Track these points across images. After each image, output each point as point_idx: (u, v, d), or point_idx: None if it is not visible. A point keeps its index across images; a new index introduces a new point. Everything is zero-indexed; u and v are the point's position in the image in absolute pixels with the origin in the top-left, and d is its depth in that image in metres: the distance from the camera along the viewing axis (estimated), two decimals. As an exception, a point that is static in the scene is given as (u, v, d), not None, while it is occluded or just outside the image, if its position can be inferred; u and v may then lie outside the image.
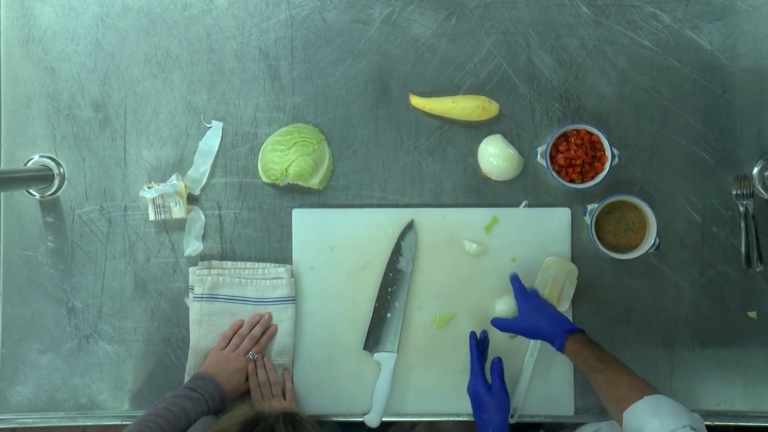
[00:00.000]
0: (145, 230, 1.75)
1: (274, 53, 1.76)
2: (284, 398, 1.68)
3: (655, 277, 1.72)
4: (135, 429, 1.44)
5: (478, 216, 1.73)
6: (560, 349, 1.54)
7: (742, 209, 1.69)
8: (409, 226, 1.71)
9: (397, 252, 1.71)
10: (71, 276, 1.75)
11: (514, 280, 1.68)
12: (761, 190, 1.71)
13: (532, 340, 1.70)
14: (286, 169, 1.67)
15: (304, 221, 1.74)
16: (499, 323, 1.65)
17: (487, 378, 1.63)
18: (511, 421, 1.70)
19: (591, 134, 1.65)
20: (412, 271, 1.72)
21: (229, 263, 1.74)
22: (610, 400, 1.44)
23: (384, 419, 1.72)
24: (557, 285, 1.68)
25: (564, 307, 1.70)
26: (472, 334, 1.68)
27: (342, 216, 1.74)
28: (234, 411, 1.33)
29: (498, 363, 1.63)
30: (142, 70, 1.76)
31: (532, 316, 1.60)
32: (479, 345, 1.68)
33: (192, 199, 1.75)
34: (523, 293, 1.65)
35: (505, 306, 1.69)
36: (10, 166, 1.76)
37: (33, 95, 1.76)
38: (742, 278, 1.72)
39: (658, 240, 1.63)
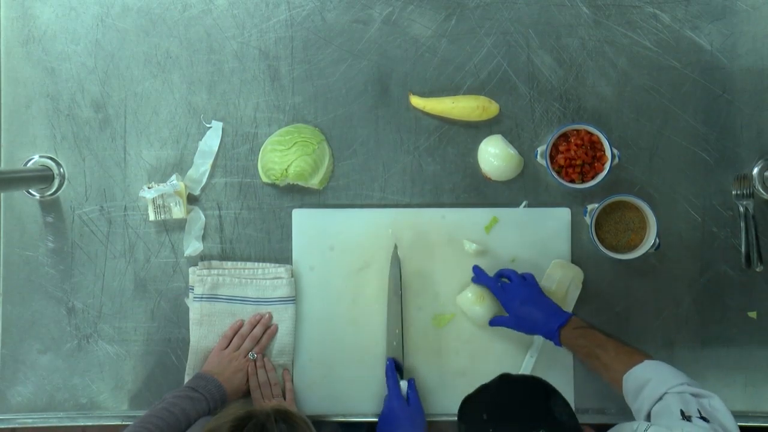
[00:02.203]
0: (145, 230, 1.75)
1: (274, 53, 1.76)
2: (284, 398, 1.69)
3: (655, 277, 1.72)
4: (135, 430, 1.44)
5: (478, 216, 1.73)
6: (558, 344, 1.57)
7: (742, 209, 1.69)
8: (395, 258, 1.70)
9: (390, 287, 1.71)
10: (71, 276, 1.75)
11: (480, 275, 1.66)
12: (761, 190, 1.71)
13: (534, 341, 1.70)
14: (286, 170, 1.67)
15: (304, 221, 1.74)
16: (495, 323, 1.66)
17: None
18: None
19: (591, 134, 1.65)
20: (413, 271, 1.72)
21: (229, 263, 1.74)
22: (611, 375, 1.48)
23: (384, 419, 1.73)
24: (562, 288, 1.68)
25: (568, 310, 1.70)
26: (390, 361, 1.68)
27: (342, 216, 1.74)
28: (226, 410, 1.34)
29: (413, 382, 1.67)
30: (142, 71, 1.76)
31: (521, 315, 1.60)
32: (396, 369, 1.69)
33: (192, 200, 1.75)
34: (498, 288, 1.63)
35: (470, 294, 1.68)
36: (10, 166, 1.76)
37: (33, 95, 1.76)
38: (742, 278, 1.72)
39: (658, 240, 1.63)
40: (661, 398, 1.35)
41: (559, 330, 1.56)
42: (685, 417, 1.29)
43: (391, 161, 1.75)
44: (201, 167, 1.74)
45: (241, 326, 1.71)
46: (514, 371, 1.69)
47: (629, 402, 1.44)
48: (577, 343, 1.54)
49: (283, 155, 1.67)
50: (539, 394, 1.26)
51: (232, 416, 1.28)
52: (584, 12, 1.74)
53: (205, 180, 1.75)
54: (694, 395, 1.34)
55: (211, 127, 1.75)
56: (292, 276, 1.73)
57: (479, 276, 1.67)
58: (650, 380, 1.39)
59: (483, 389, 1.32)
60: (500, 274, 1.67)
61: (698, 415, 1.28)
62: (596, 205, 1.65)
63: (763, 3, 1.73)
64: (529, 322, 1.60)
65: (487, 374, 1.69)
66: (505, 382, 1.31)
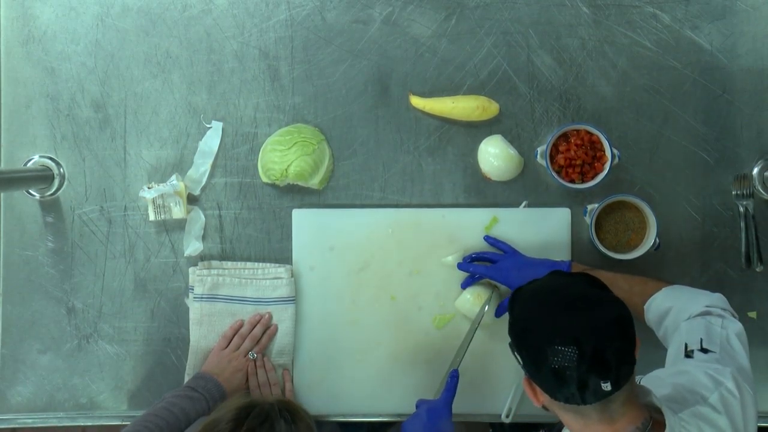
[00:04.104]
0: (145, 230, 1.75)
1: (274, 53, 1.76)
2: (284, 398, 1.69)
3: (655, 277, 1.71)
4: (134, 429, 1.45)
5: (478, 216, 1.73)
6: None
7: (742, 209, 1.69)
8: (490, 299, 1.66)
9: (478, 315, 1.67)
10: (71, 276, 1.75)
11: (467, 267, 1.66)
12: (761, 190, 1.71)
13: None
14: (286, 169, 1.67)
15: (304, 221, 1.74)
16: (505, 306, 1.64)
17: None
18: (507, 420, 1.70)
19: (591, 134, 1.65)
20: (413, 271, 1.72)
21: (229, 263, 1.74)
22: (631, 307, 1.47)
23: (384, 419, 1.73)
24: None
25: None
26: (456, 372, 1.59)
27: (342, 216, 1.74)
28: (228, 402, 1.34)
29: (457, 375, 1.58)
30: (142, 71, 1.76)
31: (525, 281, 1.57)
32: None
33: (192, 200, 1.75)
34: (490, 270, 1.63)
35: (469, 296, 1.68)
36: (10, 166, 1.76)
37: (33, 95, 1.76)
38: (742, 278, 1.72)
39: (658, 240, 1.63)
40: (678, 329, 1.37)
41: None
42: (687, 353, 1.30)
43: (391, 161, 1.75)
44: (201, 167, 1.74)
45: (240, 326, 1.71)
46: (515, 370, 1.70)
47: (655, 331, 1.45)
48: None
49: (283, 155, 1.67)
50: (595, 284, 1.22)
51: (235, 406, 1.28)
52: (584, 12, 1.74)
53: (205, 180, 1.75)
54: (707, 318, 1.34)
55: (211, 127, 1.75)
56: (292, 276, 1.73)
57: (467, 268, 1.67)
58: (671, 309, 1.40)
59: (534, 281, 1.26)
60: (479, 258, 1.68)
61: (699, 347, 1.29)
62: (596, 205, 1.65)
63: (763, 3, 1.73)
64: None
65: (487, 374, 1.70)
66: (558, 274, 1.26)
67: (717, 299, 1.42)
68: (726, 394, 1.23)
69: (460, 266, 1.68)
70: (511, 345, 1.23)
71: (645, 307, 1.45)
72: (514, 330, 1.20)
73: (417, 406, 1.56)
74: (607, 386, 1.11)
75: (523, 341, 1.18)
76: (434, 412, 1.51)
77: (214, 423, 1.28)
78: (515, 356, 1.21)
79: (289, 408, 1.30)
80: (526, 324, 1.18)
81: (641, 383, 1.31)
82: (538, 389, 1.19)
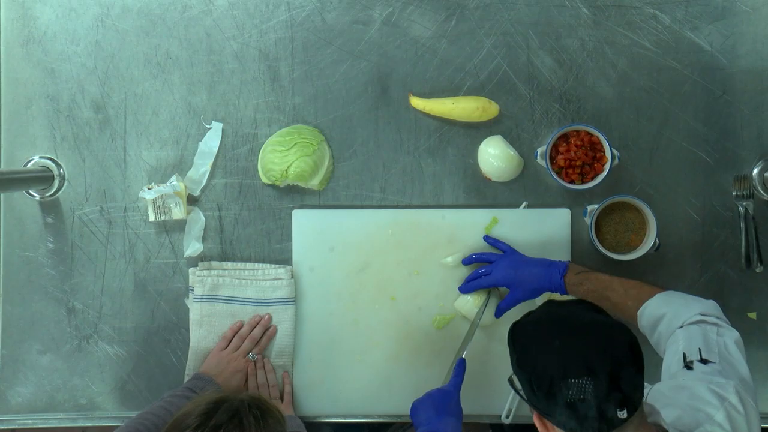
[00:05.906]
0: (145, 231, 1.75)
1: (274, 54, 1.76)
2: (282, 401, 1.68)
3: (655, 277, 1.72)
4: (131, 426, 1.44)
5: (478, 216, 1.73)
6: (565, 293, 1.56)
7: (741, 210, 1.69)
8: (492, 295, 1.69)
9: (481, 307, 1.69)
10: (71, 277, 1.75)
11: (472, 286, 1.67)
12: (761, 191, 1.71)
13: None
14: (286, 170, 1.67)
15: (304, 222, 1.74)
16: (503, 307, 1.65)
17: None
18: (506, 421, 1.70)
19: (591, 135, 1.66)
20: (412, 272, 1.72)
21: (229, 264, 1.74)
22: (624, 313, 1.47)
23: (384, 420, 1.73)
24: None
25: None
26: (462, 360, 1.62)
27: (342, 216, 1.74)
28: (201, 396, 1.33)
29: (464, 363, 1.61)
30: (142, 71, 1.76)
31: (521, 280, 1.60)
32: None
33: (192, 200, 1.75)
34: (485, 278, 1.64)
35: (469, 297, 1.68)
36: (10, 167, 1.76)
37: (33, 96, 1.76)
38: (742, 278, 1.72)
39: (658, 240, 1.63)
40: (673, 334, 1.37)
41: (563, 278, 1.55)
42: (687, 364, 1.29)
43: (391, 162, 1.75)
44: (201, 168, 1.74)
45: (240, 327, 1.71)
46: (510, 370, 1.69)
47: (647, 336, 1.44)
48: (583, 289, 1.53)
49: (283, 156, 1.67)
50: (594, 308, 1.21)
51: (207, 400, 1.27)
52: (584, 13, 1.74)
53: (205, 181, 1.75)
54: (702, 326, 1.34)
55: (211, 128, 1.76)
56: (292, 277, 1.73)
57: (469, 289, 1.68)
58: (665, 315, 1.40)
59: (530, 313, 1.24)
60: (478, 259, 1.68)
61: (699, 357, 1.28)
62: (596, 206, 1.66)
63: (763, 4, 1.73)
64: (532, 282, 1.58)
65: (487, 374, 1.70)
66: (554, 304, 1.24)
67: (710, 306, 1.41)
68: (731, 410, 1.22)
69: (461, 289, 1.69)
70: (511, 380, 1.22)
71: (638, 312, 1.45)
72: (521, 366, 1.17)
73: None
74: (623, 414, 1.10)
75: (534, 377, 1.14)
76: (444, 394, 1.53)
77: (184, 416, 1.26)
78: (518, 393, 1.19)
79: (259, 405, 1.29)
80: (534, 359, 1.15)
81: (647, 400, 1.30)
82: (549, 424, 1.17)
